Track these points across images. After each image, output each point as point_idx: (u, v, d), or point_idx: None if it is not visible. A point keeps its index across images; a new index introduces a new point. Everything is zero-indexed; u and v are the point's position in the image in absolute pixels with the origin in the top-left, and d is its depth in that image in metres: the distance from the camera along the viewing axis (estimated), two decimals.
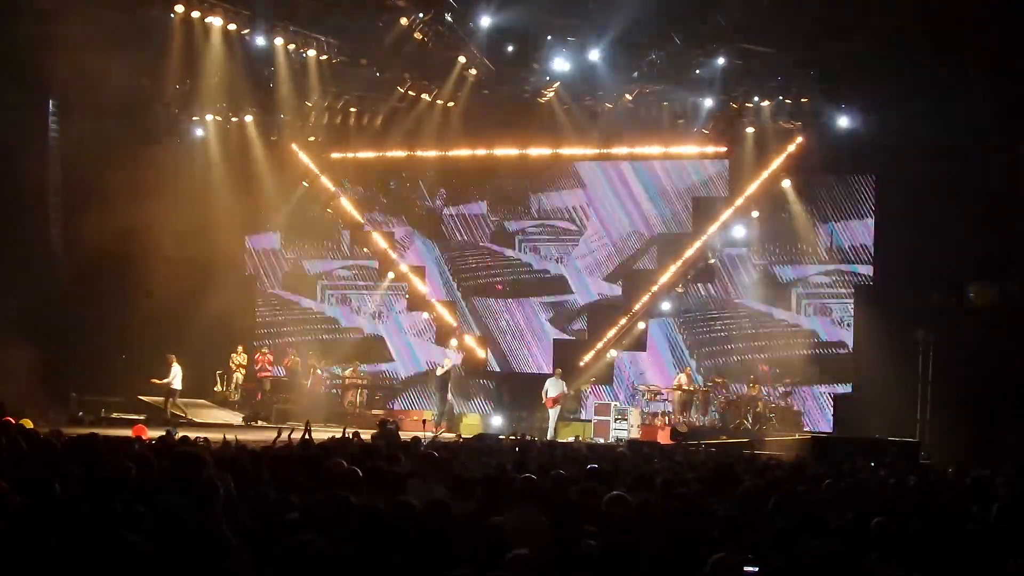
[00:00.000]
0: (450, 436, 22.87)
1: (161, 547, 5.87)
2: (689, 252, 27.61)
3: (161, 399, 26.02)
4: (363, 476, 8.72)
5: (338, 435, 15.19)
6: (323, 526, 6.87)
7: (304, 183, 30.28)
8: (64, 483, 7.64)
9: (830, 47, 24.23)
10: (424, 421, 25.72)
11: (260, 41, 25.62)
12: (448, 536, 6.98)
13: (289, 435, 13.97)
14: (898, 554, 7.17)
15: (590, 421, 26.42)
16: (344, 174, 30.39)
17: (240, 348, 28.62)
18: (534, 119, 27.88)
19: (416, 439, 14.62)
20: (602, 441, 24.38)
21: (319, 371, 28.44)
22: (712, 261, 27.59)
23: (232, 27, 25.00)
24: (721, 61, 25.09)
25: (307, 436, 13.84)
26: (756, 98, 25.95)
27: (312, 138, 29.89)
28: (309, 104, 28.24)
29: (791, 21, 23.45)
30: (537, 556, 6.28)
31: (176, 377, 25.95)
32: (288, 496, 7.98)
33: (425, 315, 29.70)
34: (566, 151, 28.65)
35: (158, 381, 25.86)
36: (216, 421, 26.08)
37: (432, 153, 29.28)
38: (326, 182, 30.35)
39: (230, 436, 14.32)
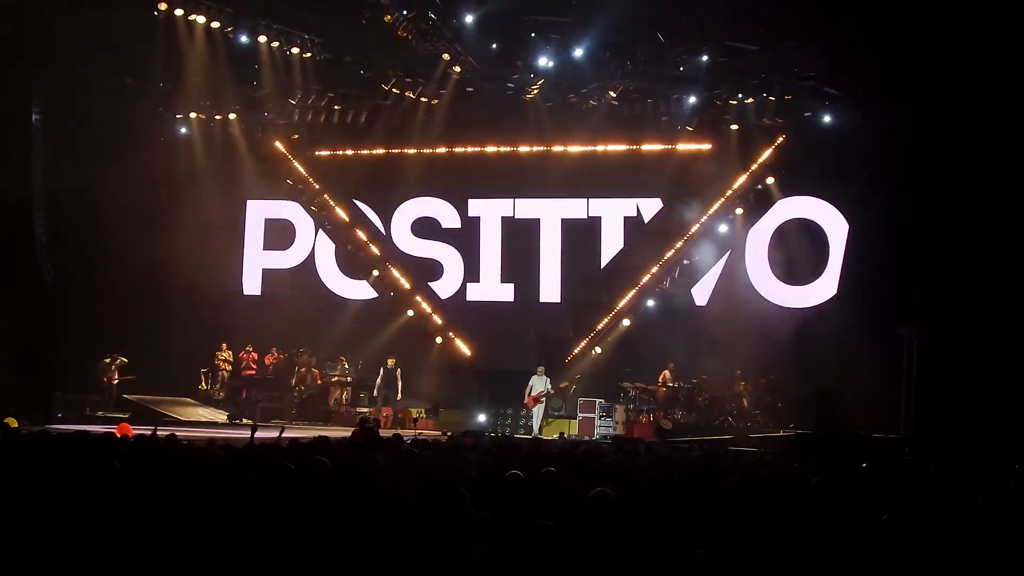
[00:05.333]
0: (435, 433, 22.83)
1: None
2: (673, 250, 27.59)
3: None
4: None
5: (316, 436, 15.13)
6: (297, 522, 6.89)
7: (288, 181, 30.16)
8: (50, 482, 7.63)
9: (813, 45, 24.33)
10: (415, 420, 25.75)
11: (244, 39, 25.62)
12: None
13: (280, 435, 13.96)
14: (887, 554, 7.20)
15: (575, 418, 26.34)
16: (328, 171, 30.20)
17: (224, 345, 28.51)
18: (518, 117, 27.83)
19: (398, 436, 14.59)
20: (587, 438, 24.37)
21: (303, 368, 28.33)
22: (696, 258, 27.58)
23: (215, 25, 25.00)
24: (705, 58, 25.17)
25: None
26: (740, 95, 25.99)
27: (296, 136, 29.79)
28: (293, 102, 28.20)
29: (774, 18, 23.53)
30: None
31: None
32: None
33: (410, 312, 29.56)
34: (550, 148, 28.53)
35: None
36: (200, 419, 26.06)
37: (415, 150, 29.19)
38: (310, 180, 30.18)
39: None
